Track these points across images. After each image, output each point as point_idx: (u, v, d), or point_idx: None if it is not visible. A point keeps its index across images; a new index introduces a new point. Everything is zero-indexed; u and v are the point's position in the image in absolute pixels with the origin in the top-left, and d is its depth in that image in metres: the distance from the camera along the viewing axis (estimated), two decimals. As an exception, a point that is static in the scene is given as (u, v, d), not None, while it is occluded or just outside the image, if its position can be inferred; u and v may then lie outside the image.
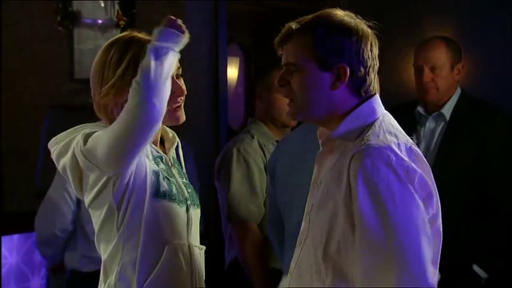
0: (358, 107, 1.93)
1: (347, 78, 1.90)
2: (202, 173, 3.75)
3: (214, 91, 4.19)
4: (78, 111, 4.62)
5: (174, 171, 2.19)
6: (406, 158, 1.84)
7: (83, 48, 4.55)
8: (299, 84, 1.93)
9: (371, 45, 1.93)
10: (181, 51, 2.04)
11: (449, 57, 3.53)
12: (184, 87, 2.13)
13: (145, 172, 2.08)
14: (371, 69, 1.93)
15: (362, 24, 1.93)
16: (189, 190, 2.21)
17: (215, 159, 3.55)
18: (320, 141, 2.01)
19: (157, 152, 2.16)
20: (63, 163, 2.07)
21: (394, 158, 1.82)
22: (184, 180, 2.23)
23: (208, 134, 4.26)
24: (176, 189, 2.14)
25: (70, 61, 4.58)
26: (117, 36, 2.14)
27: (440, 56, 3.54)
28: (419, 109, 3.61)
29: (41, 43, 4.63)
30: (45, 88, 4.66)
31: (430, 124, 3.58)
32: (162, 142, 2.25)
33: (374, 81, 1.96)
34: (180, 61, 2.07)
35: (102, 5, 4.35)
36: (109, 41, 2.12)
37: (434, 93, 3.53)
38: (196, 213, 2.20)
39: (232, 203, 3.37)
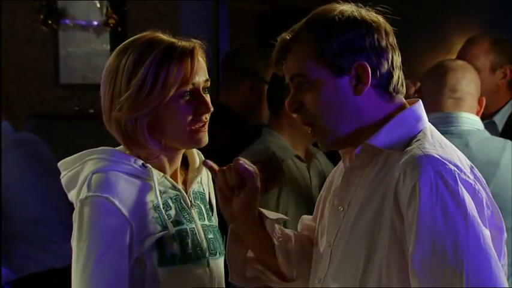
0: (401, 112, 1.74)
1: (370, 77, 1.70)
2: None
3: (215, 98, 4.10)
4: (63, 120, 4.59)
5: (194, 212, 1.94)
6: (471, 178, 1.64)
7: (70, 50, 4.45)
8: (316, 102, 1.73)
9: (385, 32, 1.73)
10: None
11: (491, 57, 3.34)
12: (210, 103, 1.90)
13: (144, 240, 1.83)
14: (395, 61, 1.73)
15: (366, 12, 1.73)
16: (210, 236, 1.95)
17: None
18: (344, 158, 1.82)
19: (173, 187, 1.91)
20: (71, 196, 1.90)
21: (460, 175, 1.62)
22: (206, 221, 1.96)
23: (207, 146, 4.17)
24: (193, 242, 1.88)
25: (55, 65, 4.48)
26: (133, 38, 1.91)
27: (478, 55, 3.35)
28: None
29: (22, 45, 4.60)
30: (26, 95, 4.57)
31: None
32: (186, 166, 2.00)
33: (402, 76, 1.76)
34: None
35: (98, 5, 4.29)
36: (125, 42, 1.90)
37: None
38: (218, 263, 1.95)
39: None
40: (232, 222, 1.90)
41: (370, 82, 1.72)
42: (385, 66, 1.73)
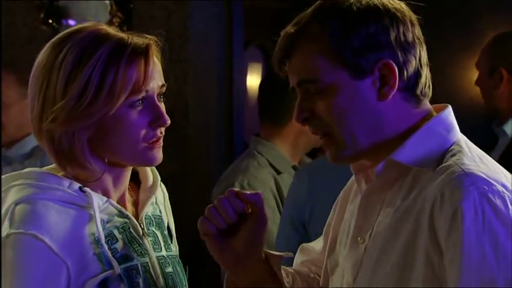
0: (428, 121, 1.51)
1: (397, 78, 1.48)
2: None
3: (227, 103, 4.00)
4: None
5: (147, 242, 1.69)
6: None
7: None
8: (331, 110, 1.50)
9: (411, 23, 1.50)
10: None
11: (490, 58, 3.17)
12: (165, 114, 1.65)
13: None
14: (422, 57, 1.51)
15: (387, 0, 1.50)
16: (169, 269, 1.71)
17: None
18: (357, 177, 1.59)
19: (121, 214, 1.65)
20: None
21: (510, 197, 1.39)
22: (163, 252, 1.71)
23: (220, 153, 4.12)
24: (146, 280, 1.64)
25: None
26: (71, 29, 1.64)
27: (481, 55, 3.19)
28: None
29: (23, 46, 4.53)
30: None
31: (501, 139, 3.21)
32: (137, 183, 1.77)
33: (429, 75, 1.54)
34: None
35: (108, 4, 4.19)
36: (61, 34, 1.63)
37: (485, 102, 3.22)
38: None
39: None
40: (235, 268, 1.63)
41: (397, 84, 1.50)
42: (413, 64, 1.52)
